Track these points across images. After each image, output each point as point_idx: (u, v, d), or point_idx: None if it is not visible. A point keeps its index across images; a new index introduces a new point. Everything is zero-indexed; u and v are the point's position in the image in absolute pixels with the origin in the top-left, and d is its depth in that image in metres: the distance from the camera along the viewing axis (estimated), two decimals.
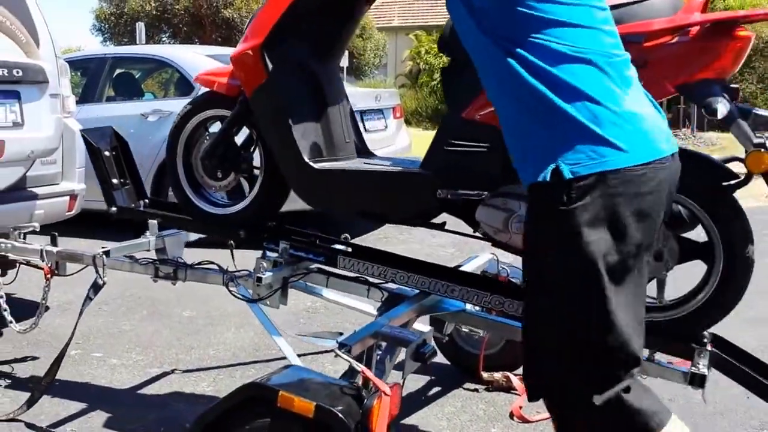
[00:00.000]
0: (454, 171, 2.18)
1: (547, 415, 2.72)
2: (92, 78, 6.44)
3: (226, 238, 2.63)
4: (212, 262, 2.68)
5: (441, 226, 2.44)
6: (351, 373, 1.92)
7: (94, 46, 23.06)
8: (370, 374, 1.84)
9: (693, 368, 2.08)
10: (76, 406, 2.84)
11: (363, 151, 2.74)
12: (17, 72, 3.13)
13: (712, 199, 2.03)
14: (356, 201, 2.44)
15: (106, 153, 2.87)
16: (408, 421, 2.76)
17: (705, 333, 2.14)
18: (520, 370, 3.04)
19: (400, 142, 6.30)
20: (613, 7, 1.73)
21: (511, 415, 2.77)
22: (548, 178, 1.48)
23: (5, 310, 2.96)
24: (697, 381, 2.07)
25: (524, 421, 2.73)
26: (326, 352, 2.01)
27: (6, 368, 3.20)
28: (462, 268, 2.73)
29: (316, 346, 3.08)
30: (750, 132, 1.92)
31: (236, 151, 2.59)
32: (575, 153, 1.47)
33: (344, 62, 17.35)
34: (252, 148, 2.61)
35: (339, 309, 3.73)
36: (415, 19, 24.47)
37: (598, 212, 1.46)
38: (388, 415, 1.76)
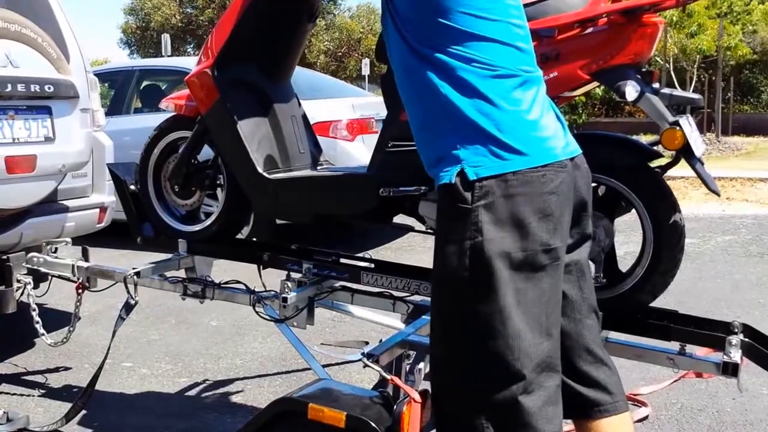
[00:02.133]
0: (393, 170, 2.31)
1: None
2: (120, 90, 6.55)
3: (251, 263, 2.69)
4: (239, 282, 2.71)
5: (408, 229, 2.61)
6: (380, 383, 1.93)
7: (121, 58, 23.41)
8: (398, 380, 1.85)
9: (725, 357, 2.05)
10: (107, 416, 2.88)
11: (321, 162, 2.87)
12: (49, 88, 3.19)
13: (637, 178, 2.13)
14: (309, 206, 2.56)
15: (132, 186, 2.95)
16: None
17: (735, 323, 2.12)
18: None
19: None
20: (527, 5, 1.81)
21: None
22: (453, 180, 1.54)
23: (37, 322, 3.01)
24: (730, 369, 2.04)
25: None
26: (353, 362, 2.03)
27: (39, 378, 3.26)
28: None
29: (341, 356, 3.09)
30: (664, 110, 2.02)
31: (198, 170, 2.73)
32: (478, 156, 1.54)
33: (366, 71, 17.47)
34: (216, 165, 2.73)
35: (362, 320, 3.76)
36: None
37: (500, 211, 1.52)
38: (419, 422, 1.76)
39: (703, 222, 6.66)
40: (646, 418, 2.79)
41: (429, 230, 2.42)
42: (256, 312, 2.59)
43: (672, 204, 2.12)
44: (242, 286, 2.70)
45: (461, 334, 1.56)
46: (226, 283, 2.74)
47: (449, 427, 1.62)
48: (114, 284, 2.88)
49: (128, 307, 2.76)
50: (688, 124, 2.04)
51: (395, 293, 2.53)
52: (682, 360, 2.15)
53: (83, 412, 2.83)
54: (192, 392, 3.13)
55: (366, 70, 17.32)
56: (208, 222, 2.75)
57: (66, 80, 3.29)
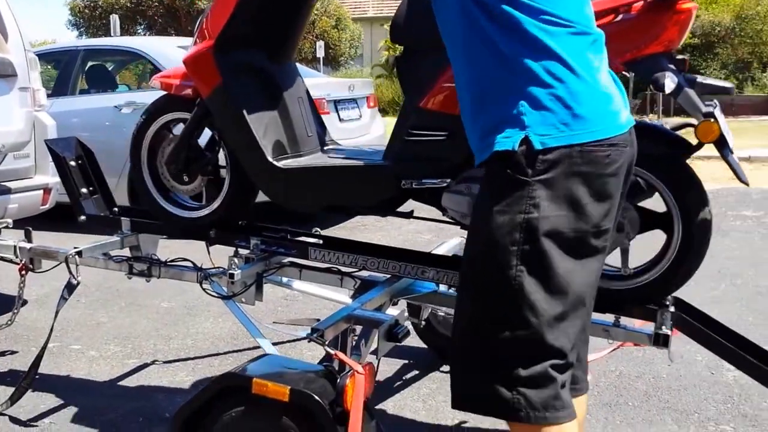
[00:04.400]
0: (415, 161, 2.20)
1: None
2: (64, 71, 6.40)
3: (198, 239, 2.66)
4: (186, 260, 2.70)
5: (409, 215, 2.47)
6: (326, 357, 1.96)
7: (69, 40, 22.77)
8: (341, 355, 1.88)
9: (657, 329, 2.13)
10: (55, 398, 2.85)
11: (327, 142, 2.76)
12: None
13: (667, 168, 2.06)
14: (323, 196, 2.44)
15: (72, 163, 2.87)
16: (385, 403, 2.80)
17: (668, 297, 2.20)
18: None
19: (375, 131, 6.32)
20: None
21: None
22: (515, 147, 1.44)
23: None
24: (661, 340, 2.13)
25: None
26: (304, 339, 2.05)
27: None
28: (436, 251, 2.78)
29: (294, 334, 3.12)
30: (698, 102, 1.95)
31: (200, 154, 2.57)
32: (547, 125, 1.44)
33: (320, 53, 17.37)
34: (216, 149, 2.60)
35: (316, 297, 3.78)
36: (390, 9, 24.44)
37: (559, 189, 1.45)
38: (363, 394, 1.80)
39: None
40: None
41: (449, 220, 2.32)
42: (204, 289, 2.59)
43: (701, 194, 2.06)
44: (189, 264, 2.69)
45: (503, 306, 1.49)
46: (173, 261, 2.73)
47: (482, 401, 1.54)
48: (58, 265, 2.83)
49: (70, 287, 2.72)
50: (720, 114, 1.97)
51: (343, 269, 2.55)
52: (616, 331, 2.24)
53: (32, 395, 2.81)
54: (141, 373, 3.12)
55: (320, 53, 17.22)
56: (214, 206, 2.58)
57: (3, 58, 3.22)
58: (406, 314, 2.88)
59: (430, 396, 2.86)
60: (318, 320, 2.62)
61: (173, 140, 2.60)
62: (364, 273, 2.54)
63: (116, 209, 2.94)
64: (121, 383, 3.03)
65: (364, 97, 6.32)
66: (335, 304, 2.83)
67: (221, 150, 2.56)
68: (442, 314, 3.06)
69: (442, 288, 2.48)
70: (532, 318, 1.46)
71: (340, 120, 5.80)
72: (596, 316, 2.23)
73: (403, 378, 3.03)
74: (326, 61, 16.69)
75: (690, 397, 2.78)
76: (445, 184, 2.19)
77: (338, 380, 1.81)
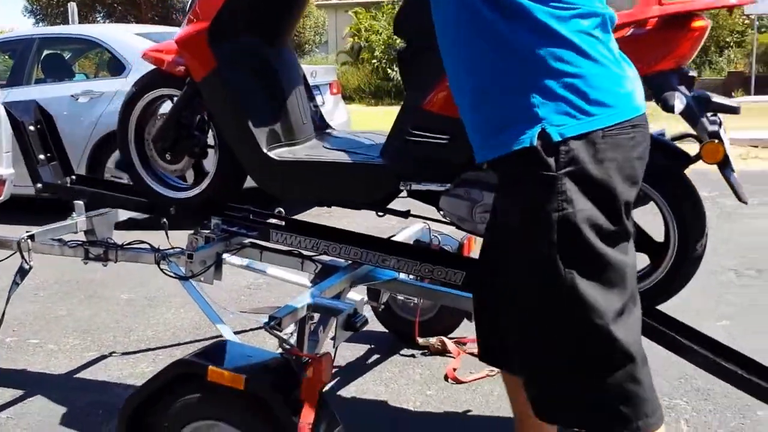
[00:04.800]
0: (415, 162, 2.14)
1: (480, 375, 2.85)
2: (20, 60, 6.25)
3: (156, 214, 2.60)
4: (143, 242, 2.67)
5: (406, 214, 2.42)
6: (283, 345, 1.96)
7: (26, 28, 22.27)
8: (296, 350, 1.87)
9: None
10: (13, 393, 2.80)
11: (320, 127, 2.68)
12: None
13: (665, 179, 2.04)
14: (317, 191, 2.38)
15: (31, 128, 2.79)
16: (347, 388, 2.81)
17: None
18: (454, 334, 3.13)
19: (338, 117, 6.29)
20: None
21: (446, 377, 2.85)
22: (534, 143, 1.37)
23: None
24: None
25: (458, 382, 2.81)
26: (261, 328, 2.05)
27: None
28: (395, 238, 2.79)
29: (257, 322, 3.11)
30: (706, 122, 1.91)
31: (188, 134, 2.48)
32: (561, 114, 1.37)
33: None
34: (205, 129, 2.52)
35: (280, 284, 3.76)
36: None
37: (589, 178, 1.38)
38: (319, 385, 1.80)
39: None
40: None
41: (445, 221, 2.29)
42: (161, 270, 2.55)
43: (697, 204, 2.05)
44: (146, 246, 2.65)
45: (563, 317, 1.41)
46: (130, 243, 2.69)
47: (562, 410, 1.51)
48: (13, 254, 2.78)
49: (22, 272, 2.68)
50: (724, 133, 1.93)
51: (304, 252, 2.53)
52: None
53: None
54: (101, 365, 3.08)
55: None
56: (202, 187, 2.51)
57: None
58: (366, 299, 2.89)
59: (392, 379, 2.88)
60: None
61: (161, 118, 2.52)
62: (325, 257, 2.53)
63: (74, 177, 2.88)
64: (79, 376, 2.99)
65: (327, 83, 6.28)
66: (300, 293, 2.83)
67: (210, 131, 2.50)
68: (401, 298, 3.08)
69: (402, 276, 2.49)
70: (597, 321, 1.39)
71: None
72: None
73: (366, 363, 3.04)
74: None
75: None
76: (445, 188, 2.14)
77: (295, 371, 1.81)
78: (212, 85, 2.30)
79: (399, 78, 15.08)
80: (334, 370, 2.90)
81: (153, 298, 3.92)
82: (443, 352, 3.06)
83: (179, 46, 2.34)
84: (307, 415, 1.72)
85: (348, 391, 2.79)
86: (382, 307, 2.97)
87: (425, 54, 1.99)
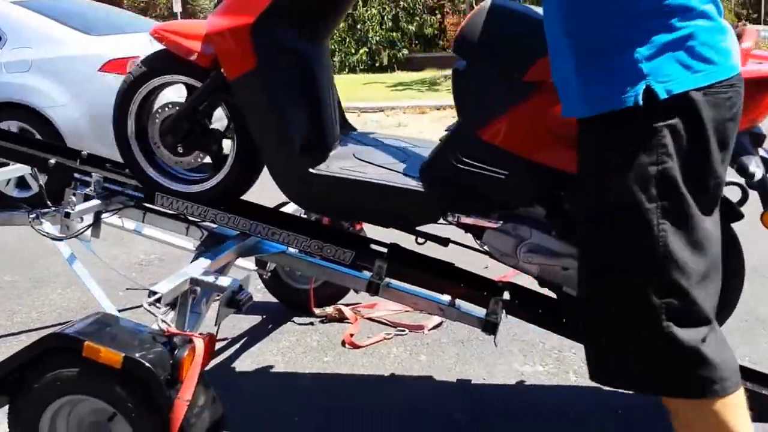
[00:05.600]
0: (464, 193, 2.01)
1: (377, 339, 2.88)
2: None
3: (34, 166, 2.46)
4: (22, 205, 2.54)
5: (445, 241, 2.29)
6: (162, 323, 1.89)
7: None
8: (173, 329, 1.82)
9: (488, 317, 2.21)
10: None
11: (342, 126, 2.52)
12: None
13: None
14: (352, 209, 2.23)
15: None
16: (243, 359, 2.78)
17: (500, 282, 2.29)
18: (347, 300, 3.13)
19: None
20: None
21: (343, 343, 2.86)
22: (639, 101, 1.34)
23: None
24: (489, 328, 2.21)
25: (355, 347, 2.83)
26: (140, 306, 1.97)
27: None
28: (287, 208, 2.75)
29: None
30: None
31: (205, 129, 2.29)
32: (667, 69, 1.34)
33: (177, 7, 16.59)
34: (225, 127, 2.32)
35: (173, 260, 3.67)
36: None
37: (686, 136, 1.36)
38: (199, 365, 1.75)
39: None
40: (440, 324, 2.98)
41: (485, 251, 2.17)
42: (36, 229, 2.43)
43: (739, 252, 2.01)
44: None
45: (649, 272, 1.39)
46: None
47: (632, 377, 1.48)
48: None
49: None
50: None
51: (190, 218, 2.46)
52: (450, 311, 2.30)
53: None
54: None
55: (177, 7, 16.46)
56: (213, 182, 2.32)
57: None
58: (255, 267, 2.85)
59: (289, 348, 2.86)
60: None
61: (173, 107, 2.31)
62: (212, 224, 2.47)
63: None
64: None
65: None
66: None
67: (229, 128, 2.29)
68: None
69: (292, 250, 2.46)
70: (683, 281, 1.38)
71: None
72: (434, 294, 2.31)
73: (262, 333, 3.01)
74: (184, 16, 15.98)
75: (536, 329, 2.91)
76: (495, 225, 2.04)
77: (176, 351, 1.75)
78: (249, 84, 2.08)
79: None
80: (228, 342, 2.89)
81: (38, 279, 3.74)
82: (341, 319, 3.06)
83: (212, 39, 2.10)
84: (185, 392, 1.68)
85: (244, 362, 2.76)
86: (269, 274, 2.94)
87: (487, 77, 1.89)
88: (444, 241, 2.27)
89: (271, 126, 2.11)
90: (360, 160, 2.24)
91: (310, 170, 2.12)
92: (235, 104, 2.18)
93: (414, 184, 2.06)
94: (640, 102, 1.34)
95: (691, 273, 1.39)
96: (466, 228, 2.09)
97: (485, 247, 2.12)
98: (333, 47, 14.87)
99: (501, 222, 2.02)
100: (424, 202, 2.05)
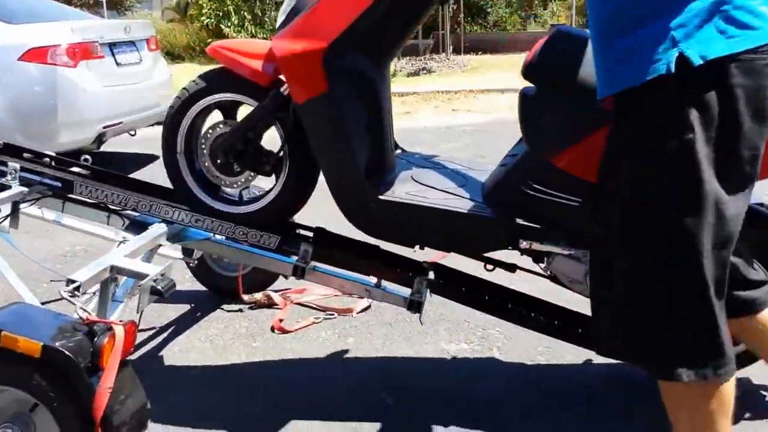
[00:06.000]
0: (535, 220, 2.00)
1: (306, 323, 2.91)
2: None
3: None
4: None
5: (513, 267, 2.30)
6: (81, 312, 1.88)
7: None
8: (93, 317, 1.81)
9: (412, 296, 2.27)
10: None
11: (395, 147, 2.47)
12: None
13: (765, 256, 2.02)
14: (419, 236, 2.19)
15: None
16: (171, 347, 2.77)
17: (425, 263, 2.35)
18: (275, 286, 3.15)
19: (158, 75, 6.04)
20: None
21: (272, 329, 2.88)
22: (672, 68, 1.32)
23: None
24: (414, 306, 2.27)
25: (284, 331, 2.85)
26: (62, 299, 1.95)
27: None
28: None
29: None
30: None
31: (259, 148, 2.26)
32: (703, 36, 1.31)
33: None
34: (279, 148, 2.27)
35: (100, 251, 3.59)
36: None
37: (714, 106, 1.33)
38: (120, 353, 1.75)
39: (431, 132, 7.14)
40: (368, 307, 3.03)
41: (543, 274, 2.21)
42: None
43: None
44: None
45: (669, 250, 1.41)
46: None
47: (636, 347, 1.53)
48: None
49: None
50: None
51: (111, 206, 2.45)
52: (376, 292, 2.35)
53: None
54: None
55: None
56: (263, 203, 2.31)
57: None
58: (182, 256, 2.84)
59: (218, 335, 2.86)
60: None
61: (225, 126, 2.27)
62: (134, 212, 2.46)
63: None
64: None
65: (144, 39, 5.97)
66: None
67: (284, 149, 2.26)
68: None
69: (218, 237, 2.46)
70: (703, 259, 1.39)
71: (117, 65, 5.49)
72: (360, 276, 2.36)
73: (190, 320, 2.99)
74: (110, 5, 15.54)
75: (461, 309, 2.97)
76: (569, 253, 2.01)
77: (96, 338, 1.75)
78: (319, 108, 2.06)
79: (232, 34, 14.61)
80: (156, 330, 2.87)
81: None
82: (270, 305, 3.07)
83: (283, 62, 2.07)
84: (107, 380, 1.68)
85: (171, 350, 2.75)
86: (195, 262, 2.93)
87: (563, 104, 1.88)
88: (511, 267, 2.28)
89: (337, 151, 2.09)
90: (421, 184, 2.23)
91: (379, 197, 2.11)
92: (293, 124, 2.17)
93: (482, 211, 2.06)
94: (673, 69, 1.32)
95: (706, 253, 1.40)
96: (530, 252, 2.08)
97: (549, 272, 2.15)
98: (264, 37, 14.72)
99: (572, 249, 2.01)
100: (493, 228, 2.04)
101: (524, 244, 2.02)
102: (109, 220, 2.49)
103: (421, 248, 2.23)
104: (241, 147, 2.24)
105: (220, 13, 15.00)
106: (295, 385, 2.49)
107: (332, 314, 2.99)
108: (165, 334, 2.87)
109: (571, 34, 1.95)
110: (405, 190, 2.16)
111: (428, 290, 2.30)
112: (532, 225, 2.00)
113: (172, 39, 15.74)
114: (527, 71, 1.94)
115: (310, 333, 2.86)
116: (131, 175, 2.64)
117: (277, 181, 2.28)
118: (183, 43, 16.15)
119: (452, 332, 2.84)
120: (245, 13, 14.82)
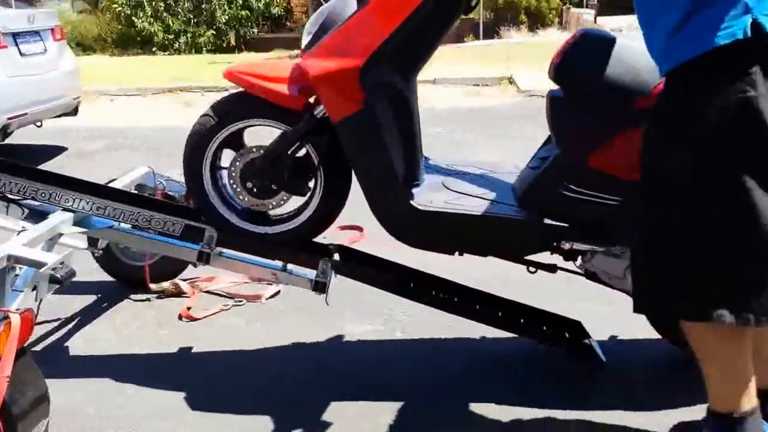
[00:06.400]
0: (570, 217, 2.03)
1: (214, 310, 2.93)
2: None
3: None
4: None
5: (553, 268, 2.32)
6: None
7: None
8: None
9: (317, 277, 2.34)
10: None
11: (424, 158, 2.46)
12: None
13: None
14: (457, 243, 2.22)
15: None
16: (76, 338, 2.75)
17: (331, 246, 2.42)
18: (185, 275, 3.15)
19: (63, 66, 5.87)
20: None
21: (180, 317, 2.89)
22: (741, 36, 1.32)
23: None
24: (319, 287, 2.35)
25: (192, 319, 2.86)
26: None
27: None
28: (115, 183, 2.74)
29: None
30: None
31: (295, 170, 2.26)
32: None
33: None
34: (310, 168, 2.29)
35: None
36: None
37: None
38: (16, 340, 1.75)
39: None
40: (277, 293, 3.08)
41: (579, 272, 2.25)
42: None
43: None
44: None
45: (726, 211, 1.41)
46: None
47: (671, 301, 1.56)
48: None
49: None
50: None
51: (9, 195, 2.42)
52: (282, 275, 2.41)
53: None
54: None
55: None
56: (297, 222, 2.32)
57: None
58: (86, 246, 2.82)
59: (124, 325, 2.86)
60: None
61: (257, 150, 2.26)
62: (33, 202, 2.44)
63: None
64: None
65: (49, 29, 5.80)
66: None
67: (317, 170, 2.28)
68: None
69: (123, 225, 2.46)
70: (762, 220, 1.40)
71: (21, 55, 5.35)
72: (266, 261, 2.41)
73: (95, 311, 2.97)
74: None
75: (372, 291, 3.04)
76: (604, 249, 2.04)
77: None
78: (356, 125, 2.09)
79: (145, 25, 14.27)
80: (61, 321, 2.84)
81: None
82: (178, 294, 3.08)
83: (317, 82, 2.08)
84: (4, 368, 1.69)
85: (76, 341, 2.73)
86: (100, 252, 2.91)
87: (588, 103, 1.92)
88: (552, 268, 2.32)
89: (376, 164, 2.13)
90: (454, 191, 2.26)
91: (418, 208, 2.14)
92: (327, 144, 2.20)
93: (520, 214, 2.10)
94: (749, 34, 1.33)
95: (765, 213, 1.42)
96: (565, 251, 2.13)
97: (585, 269, 2.21)
98: (179, 28, 14.44)
99: (611, 246, 2.06)
100: (533, 231, 2.08)
101: (566, 245, 2.07)
102: (8, 210, 2.45)
103: (460, 254, 2.27)
104: (273, 170, 2.25)
105: (133, 3, 14.62)
106: (203, 373, 2.51)
107: (241, 301, 3.02)
108: (70, 326, 2.84)
109: (595, 36, 2.03)
110: (442, 199, 2.20)
111: (333, 271, 2.37)
112: (571, 226, 2.04)
113: (82, 30, 15.25)
114: (554, 74, 2.00)
115: (218, 320, 2.89)
116: (40, 167, 2.61)
117: (311, 200, 2.32)
118: (94, 34, 15.67)
119: (358, 314, 2.91)
120: (158, 4, 14.49)
